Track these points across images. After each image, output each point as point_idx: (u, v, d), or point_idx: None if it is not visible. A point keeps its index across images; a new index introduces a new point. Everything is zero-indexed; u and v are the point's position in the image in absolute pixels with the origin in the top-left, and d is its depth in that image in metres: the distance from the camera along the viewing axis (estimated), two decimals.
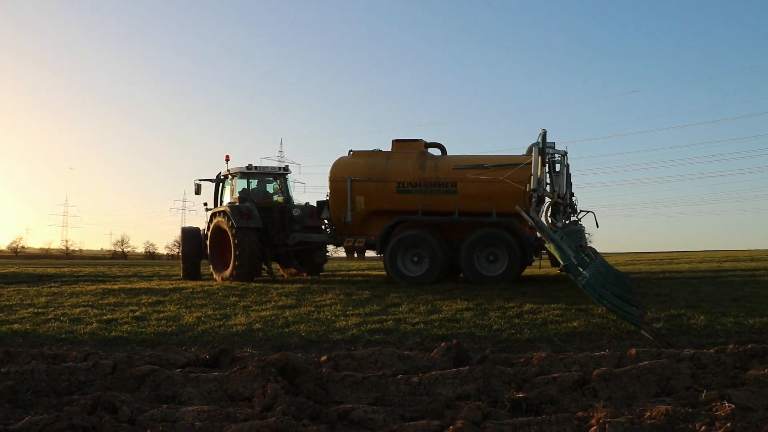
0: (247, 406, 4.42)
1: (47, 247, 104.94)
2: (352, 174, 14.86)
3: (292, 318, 8.97)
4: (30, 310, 10.81)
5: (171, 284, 15.47)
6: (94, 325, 8.91)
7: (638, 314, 7.59)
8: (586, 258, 9.86)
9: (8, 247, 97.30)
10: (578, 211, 15.28)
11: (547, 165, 13.36)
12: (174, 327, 8.54)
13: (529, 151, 14.03)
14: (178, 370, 5.50)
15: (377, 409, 3.94)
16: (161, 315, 9.69)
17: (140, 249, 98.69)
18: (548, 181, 13.43)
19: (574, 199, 15.12)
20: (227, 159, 17.62)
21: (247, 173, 17.45)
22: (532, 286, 12.76)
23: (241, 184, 17.57)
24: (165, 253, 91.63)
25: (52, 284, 16.86)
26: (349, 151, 15.79)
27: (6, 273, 21.64)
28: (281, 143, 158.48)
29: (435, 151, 15.57)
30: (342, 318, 8.88)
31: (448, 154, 15.52)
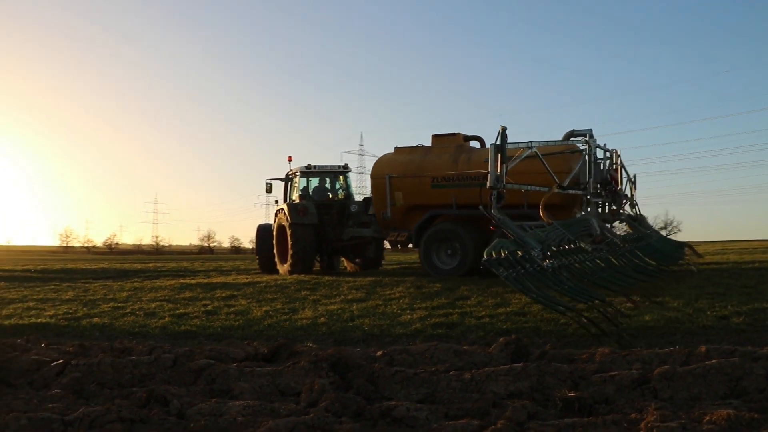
0: (294, 401, 4.40)
1: (139, 243, 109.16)
2: (391, 170, 15.30)
3: (358, 312, 8.95)
4: (111, 304, 11.20)
5: (247, 278, 15.75)
6: (167, 319, 9.13)
7: (570, 306, 7.42)
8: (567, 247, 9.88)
9: (103, 244, 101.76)
10: (623, 203, 15.10)
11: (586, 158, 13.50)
12: (241, 321, 8.66)
13: (566, 137, 14.07)
14: (235, 364, 5.55)
15: (420, 407, 3.84)
16: (231, 309, 9.85)
17: (226, 244, 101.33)
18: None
19: (620, 189, 14.95)
20: (290, 159, 18.63)
21: (307, 172, 18.19)
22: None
23: (302, 182, 18.28)
24: (250, 247, 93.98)
25: (136, 279, 17.46)
26: (395, 148, 16.13)
27: (96, 269, 22.62)
28: (361, 137, 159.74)
29: (476, 145, 15.55)
30: (408, 312, 8.80)
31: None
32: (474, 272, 13.67)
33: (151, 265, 26.02)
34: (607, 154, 14.99)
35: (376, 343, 7.02)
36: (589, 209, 13.55)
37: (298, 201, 17.60)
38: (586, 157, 13.78)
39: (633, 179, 17.10)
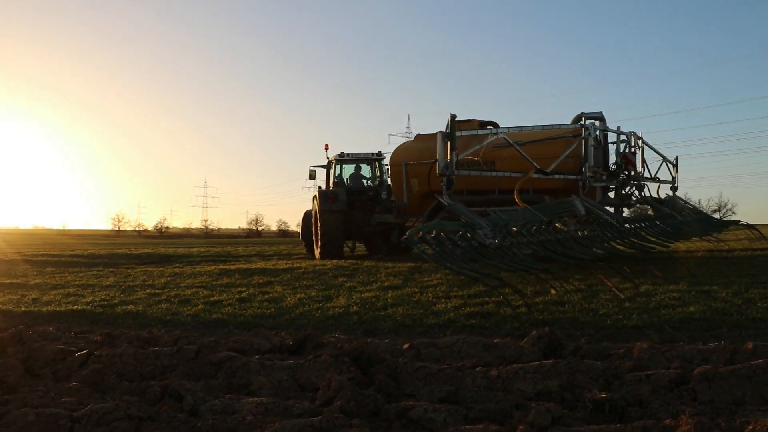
0: (311, 398, 4.23)
1: (188, 227, 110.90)
2: (407, 158, 15.65)
3: (393, 300, 8.75)
4: (148, 291, 11.23)
5: (286, 264, 15.69)
6: (200, 306, 9.07)
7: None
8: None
9: (153, 228, 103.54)
10: (631, 187, 14.88)
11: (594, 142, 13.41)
12: (273, 309, 8.54)
13: (575, 121, 13.87)
14: (257, 356, 5.41)
15: (439, 407, 3.61)
16: (266, 297, 9.75)
17: (273, 227, 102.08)
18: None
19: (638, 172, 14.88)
20: (326, 148, 19.01)
21: (341, 159, 18.92)
22: (656, 264, 11.89)
23: (336, 169, 19.00)
24: (297, 230, 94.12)
25: (177, 265, 17.57)
26: (415, 135, 16.53)
27: (140, 254, 22.89)
28: (408, 119, 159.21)
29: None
30: (443, 300, 8.56)
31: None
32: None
33: (195, 249, 26.24)
34: (622, 137, 14.82)
35: (407, 333, 6.81)
36: (583, 193, 13.12)
37: (331, 188, 18.41)
38: (592, 140, 13.48)
39: (675, 161, 16.98)
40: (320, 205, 17.46)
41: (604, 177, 13.74)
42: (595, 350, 5.03)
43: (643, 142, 15.45)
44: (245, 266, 15.50)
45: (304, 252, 21.02)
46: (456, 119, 15.32)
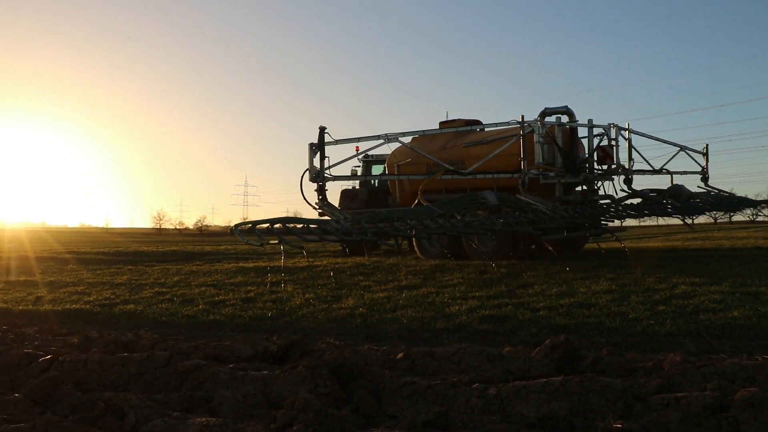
0: (269, 420, 3.58)
1: (228, 225, 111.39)
2: (400, 158, 15.81)
3: (405, 301, 8.07)
4: (155, 289, 10.74)
5: (307, 262, 15.12)
6: (200, 307, 8.53)
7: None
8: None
9: (194, 226, 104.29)
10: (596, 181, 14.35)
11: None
12: (275, 310, 7.93)
13: (541, 116, 13.79)
14: (231, 365, 4.78)
15: None
16: (273, 296, 9.16)
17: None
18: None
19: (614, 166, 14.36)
20: (357, 149, 18.66)
21: (367, 160, 19.24)
22: (694, 263, 11.02)
23: (363, 170, 19.46)
24: None
25: (198, 262, 17.14)
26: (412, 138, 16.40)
27: (166, 251, 22.57)
28: (447, 116, 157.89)
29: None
30: (459, 301, 7.86)
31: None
32: (456, 256, 13.36)
33: (222, 247, 25.86)
34: (600, 130, 14.32)
35: (412, 338, 6.14)
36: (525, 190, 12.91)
37: (357, 187, 18.87)
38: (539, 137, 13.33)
39: (705, 151, 16.20)
40: (341, 204, 17.63)
41: (552, 174, 13.33)
42: (618, 363, 4.29)
43: (631, 133, 14.76)
44: (265, 264, 14.98)
45: (332, 250, 20.68)
46: (445, 120, 16.04)
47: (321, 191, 11.79)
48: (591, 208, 12.59)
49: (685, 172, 16.31)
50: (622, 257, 13.09)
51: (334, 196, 17.84)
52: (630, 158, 14.64)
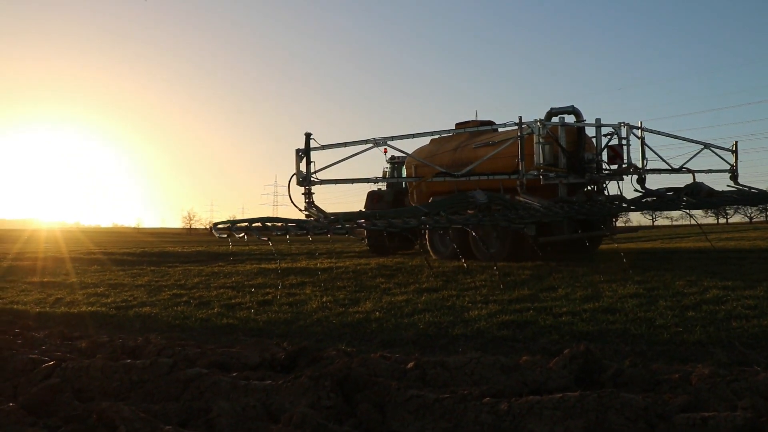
0: None
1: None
2: (417, 161, 16.12)
3: (423, 305, 7.84)
4: (174, 291, 10.65)
5: (330, 263, 14.96)
6: (215, 310, 8.37)
7: None
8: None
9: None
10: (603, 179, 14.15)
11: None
12: (290, 314, 7.74)
13: (547, 117, 13.91)
14: (234, 374, 4.60)
15: None
16: (290, 299, 8.99)
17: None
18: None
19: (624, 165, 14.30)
20: (385, 151, 18.88)
21: (392, 162, 19.44)
22: (727, 265, 10.62)
23: (390, 172, 19.63)
24: None
25: (220, 263, 17.07)
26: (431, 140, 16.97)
27: (190, 252, 22.57)
28: (476, 115, 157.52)
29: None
30: (479, 305, 7.60)
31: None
32: (465, 257, 13.20)
33: (248, 248, 25.82)
34: (607, 130, 14.32)
35: (428, 345, 5.90)
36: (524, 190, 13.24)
37: (384, 189, 19.13)
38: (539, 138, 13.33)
39: (733, 148, 15.93)
40: (367, 205, 17.94)
41: (552, 174, 13.35)
42: (641, 376, 4.01)
43: (644, 131, 14.51)
44: (287, 265, 14.83)
45: (357, 250, 20.67)
46: (461, 122, 16.27)
47: (308, 194, 12.17)
48: (589, 206, 12.45)
49: (710, 171, 15.91)
50: (653, 259, 12.73)
51: (360, 198, 17.98)
52: (643, 157, 14.45)
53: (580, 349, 4.37)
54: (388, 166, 19.79)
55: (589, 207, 12.31)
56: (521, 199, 12.63)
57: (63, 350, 5.94)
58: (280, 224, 10.14)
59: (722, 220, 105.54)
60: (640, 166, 14.35)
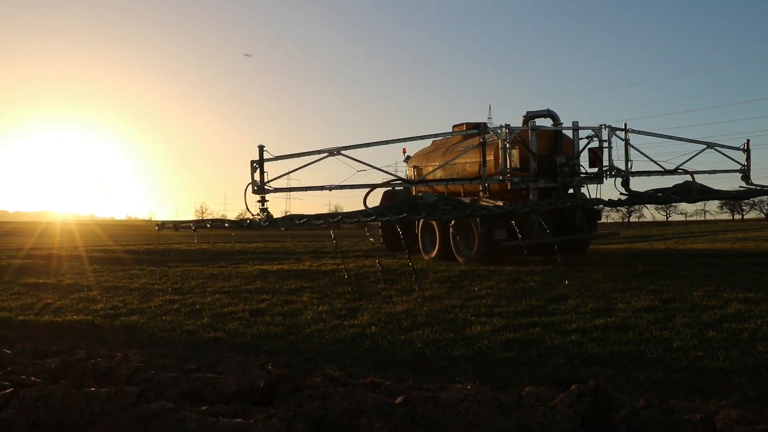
0: None
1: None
2: (419, 162, 16.96)
3: (423, 317, 7.37)
4: (167, 296, 10.24)
5: (333, 265, 14.53)
6: (205, 320, 7.95)
7: None
8: None
9: (236, 219, 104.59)
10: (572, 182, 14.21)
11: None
12: (282, 327, 7.29)
13: (524, 122, 14.30)
14: (205, 407, 4.15)
15: None
16: (285, 308, 8.55)
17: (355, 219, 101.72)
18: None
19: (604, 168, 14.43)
20: (404, 151, 18.91)
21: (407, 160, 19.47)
22: (746, 272, 10.08)
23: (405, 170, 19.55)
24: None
25: (222, 263, 16.66)
26: (433, 141, 17.08)
27: (193, 250, 22.16)
28: (489, 110, 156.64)
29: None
30: (483, 318, 7.14)
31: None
32: (448, 257, 14.62)
33: (254, 245, 25.42)
34: (586, 133, 14.44)
35: (424, 367, 5.43)
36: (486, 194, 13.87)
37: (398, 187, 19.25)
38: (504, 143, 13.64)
39: (744, 147, 15.50)
40: (380, 203, 17.54)
41: (517, 179, 13.66)
42: (658, 419, 3.52)
43: (628, 133, 14.37)
44: (289, 267, 14.40)
45: (365, 248, 20.36)
46: (456, 124, 16.07)
47: (262, 201, 12.79)
48: (546, 204, 12.93)
49: (714, 171, 15.28)
50: (668, 263, 12.21)
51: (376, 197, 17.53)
52: (627, 159, 14.32)
53: (589, 386, 3.89)
54: (406, 165, 19.60)
55: (548, 205, 12.87)
56: (484, 202, 13.29)
57: (30, 371, 5.52)
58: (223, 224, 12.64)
59: (737, 216, 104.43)
60: (624, 168, 14.29)
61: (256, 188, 12.69)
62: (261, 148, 12.63)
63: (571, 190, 14.20)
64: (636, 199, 14.13)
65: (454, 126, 15.93)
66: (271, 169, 12.72)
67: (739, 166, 15.27)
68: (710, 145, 14.93)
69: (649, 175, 14.64)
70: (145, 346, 6.91)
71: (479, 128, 13.85)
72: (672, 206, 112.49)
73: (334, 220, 13.24)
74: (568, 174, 13.70)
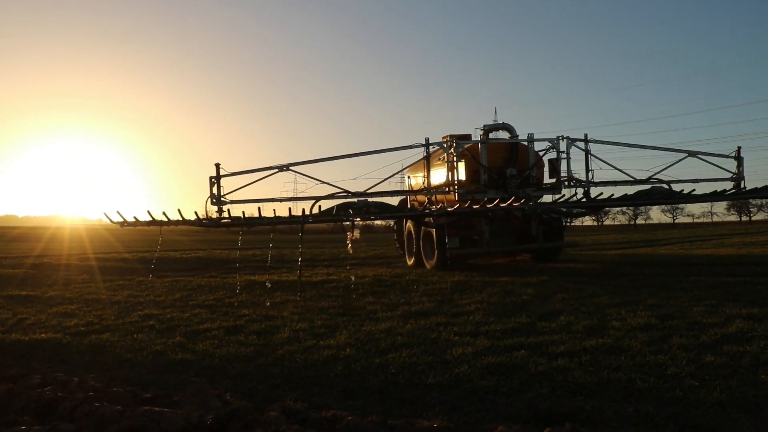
0: None
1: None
2: (409, 173, 17.46)
3: (404, 337, 6.94)
4: (147, 310, 9.86)
5: (326, 275, 14.15)
6: (176, 339, 7.54)
7: None
8: None
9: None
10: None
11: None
12: (253, 348, 6.85)
13: (486, 133, 15.58)
14: None
15: None
16: (262, 325, 8.12)
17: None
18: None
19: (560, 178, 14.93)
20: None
21: None
22: (752, 285, 9.60)
23: None
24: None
25: (212, 273, 16.31)
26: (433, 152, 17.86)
27: (189, 258, 21.82)
28: (495, 112, 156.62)
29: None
30: (468, 338, 6.70)
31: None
32: (420, 265, 16.00)
33: (251, 252, 25.05)
34: (547, 144, 15.02)
35: (395, 397, 4.98)
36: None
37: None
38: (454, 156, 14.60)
39: (735, 154, 15.12)
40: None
41: (461, 190, 14.60)
42: None
43: (588, 143, 14.50)
44: (279, 277, 14.01)
45: (362, 256, 20.00)
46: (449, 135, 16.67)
47: (220, 212, 14.09)
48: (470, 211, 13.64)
49: (697, 180, 14.45)
50: (669, 273, 11.75)
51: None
52: (588, 170, 14.49)
53: (565, 429, 3.45)
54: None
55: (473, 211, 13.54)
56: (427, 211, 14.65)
57: None
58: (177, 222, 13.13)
59: (745, 218, 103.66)
60: (586, 178, 14.44)
61: (214, 200, 13.99)
62: (217, 166, 13.97)
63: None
64: (594, 202, 14.13)
65: (443, 137, 16.06)
66: (236, 183, 14.13)
67: (729, 175, 14.61)
68: (692, 154, 14.38)
69: (615, 185, 14.33)
70: (109, 368, 6.51)
71: (425, 144, 14.84)
72: (678, 208, 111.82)
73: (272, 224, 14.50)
74: (518, 185, 14.26)
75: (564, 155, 14.51)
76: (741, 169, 14.46)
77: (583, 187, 14.34)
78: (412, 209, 16.00)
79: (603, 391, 4.74)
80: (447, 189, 14.73)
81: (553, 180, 14.78)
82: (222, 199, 13.95)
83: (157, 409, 4.57)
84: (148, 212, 13.05)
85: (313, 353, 6.44)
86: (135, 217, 13.27)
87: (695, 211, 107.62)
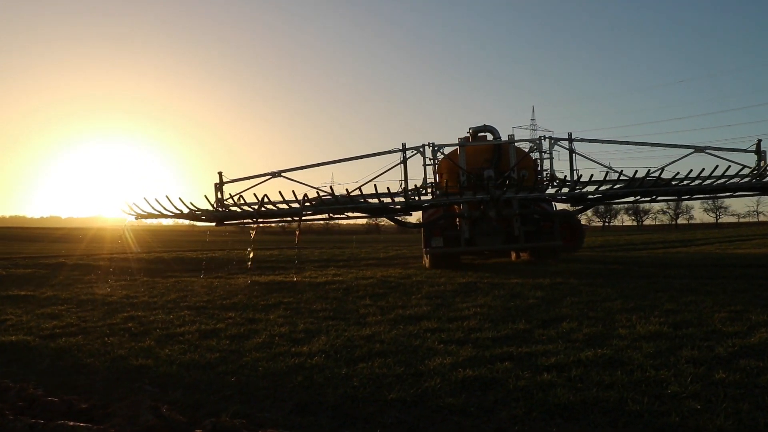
0: None
1: (311, 222, 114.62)
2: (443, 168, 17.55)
3: (384, 345, 6.29)
4: (133, 312, 9.37)
5: (333, 276, 13.57)
6: (147, 343, 7.01)
7: None
8: None
9: (276, 224, 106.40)
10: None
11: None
12: (218, 354, 6.27)
13: (473, 134, 16.60)
14: None
15: None
16: (240, 330, 7.56)
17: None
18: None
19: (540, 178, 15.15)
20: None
21: None
22: None
23: None
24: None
25: (218, 274, 15.88)
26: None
27: (200, 259, 21.46)
28: (533, 111, 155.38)
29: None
30: (452, 347, 6.03)
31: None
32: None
33: (269, 252, 24.61)
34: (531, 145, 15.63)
35: (350, 414, 4.34)
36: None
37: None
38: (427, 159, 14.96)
39: (756, 148, 14.09)
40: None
41: (438, 192, 15.03)
42: None
43: (572, 142, 13.99)
44: (281, 278, 13.52)
45: (381, 256, 19.49)
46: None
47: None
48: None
49: (707, 177, 13.27)
50: (695, 275, 10.89)
51: None
52: (572, 169, 14.17)
53: None
54: None
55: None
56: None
57: None
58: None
59: None
60: (571, 178, 14.09)
61: (218, 204, 15.01)
62: (220, 174, 15.03)
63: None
64: (579, 201, 14.21)
65: (459, 138, 16.50)
66: (237, 189, 14.93)
67: (746, 171, 13.51)
68: (699, 149, 13.33)
69: (606, 184, 13.46)
70: (65, 373, 6.01)
71: (402, 149, 14.84)
72: (721, 207, 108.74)
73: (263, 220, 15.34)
74: (497, 186, 14.32)
75: (546, 155, 14.77)
76: (764, 162, 13.33)
77: (568, 186, 14.11)
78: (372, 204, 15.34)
79: (587, 413, 4.03)
80: (424, 191, 15.15)
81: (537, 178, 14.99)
82: (224, 202, 14.93)
83: (71, 423, 4.01)
84: (180, 199, 14.17)
85: (279, 361, 5.83)
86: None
87: (740, 209, 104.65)
